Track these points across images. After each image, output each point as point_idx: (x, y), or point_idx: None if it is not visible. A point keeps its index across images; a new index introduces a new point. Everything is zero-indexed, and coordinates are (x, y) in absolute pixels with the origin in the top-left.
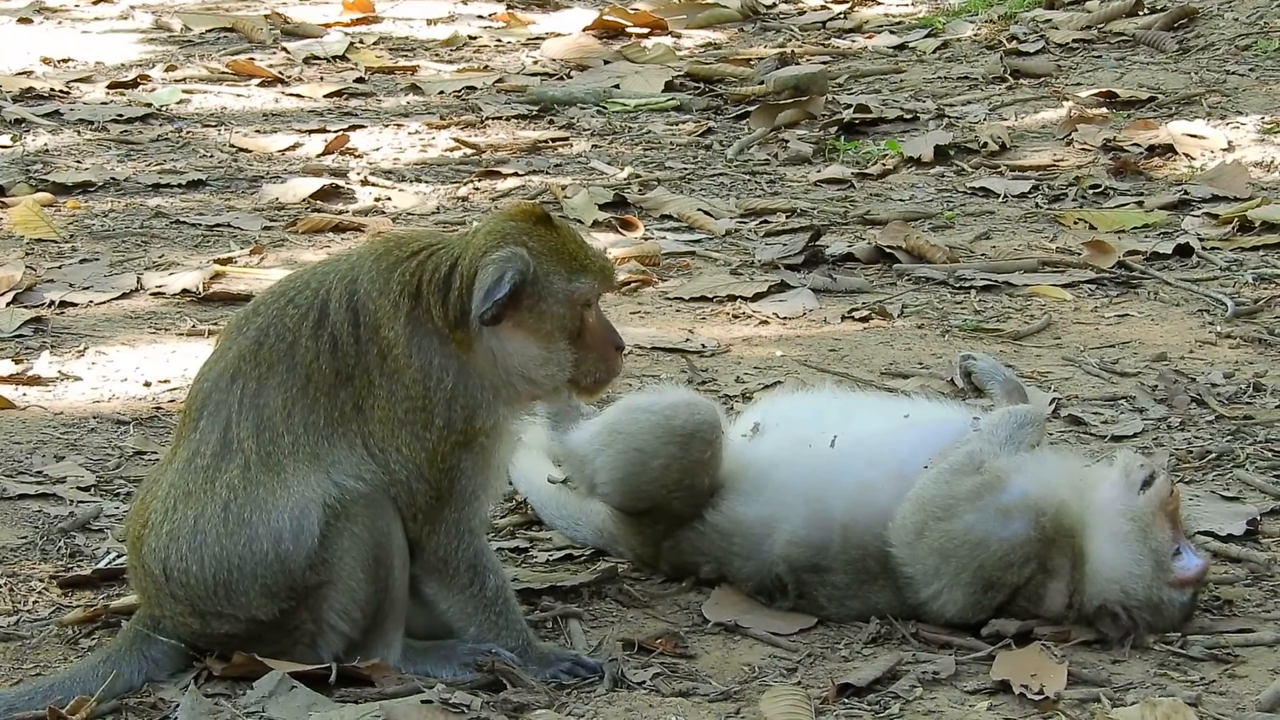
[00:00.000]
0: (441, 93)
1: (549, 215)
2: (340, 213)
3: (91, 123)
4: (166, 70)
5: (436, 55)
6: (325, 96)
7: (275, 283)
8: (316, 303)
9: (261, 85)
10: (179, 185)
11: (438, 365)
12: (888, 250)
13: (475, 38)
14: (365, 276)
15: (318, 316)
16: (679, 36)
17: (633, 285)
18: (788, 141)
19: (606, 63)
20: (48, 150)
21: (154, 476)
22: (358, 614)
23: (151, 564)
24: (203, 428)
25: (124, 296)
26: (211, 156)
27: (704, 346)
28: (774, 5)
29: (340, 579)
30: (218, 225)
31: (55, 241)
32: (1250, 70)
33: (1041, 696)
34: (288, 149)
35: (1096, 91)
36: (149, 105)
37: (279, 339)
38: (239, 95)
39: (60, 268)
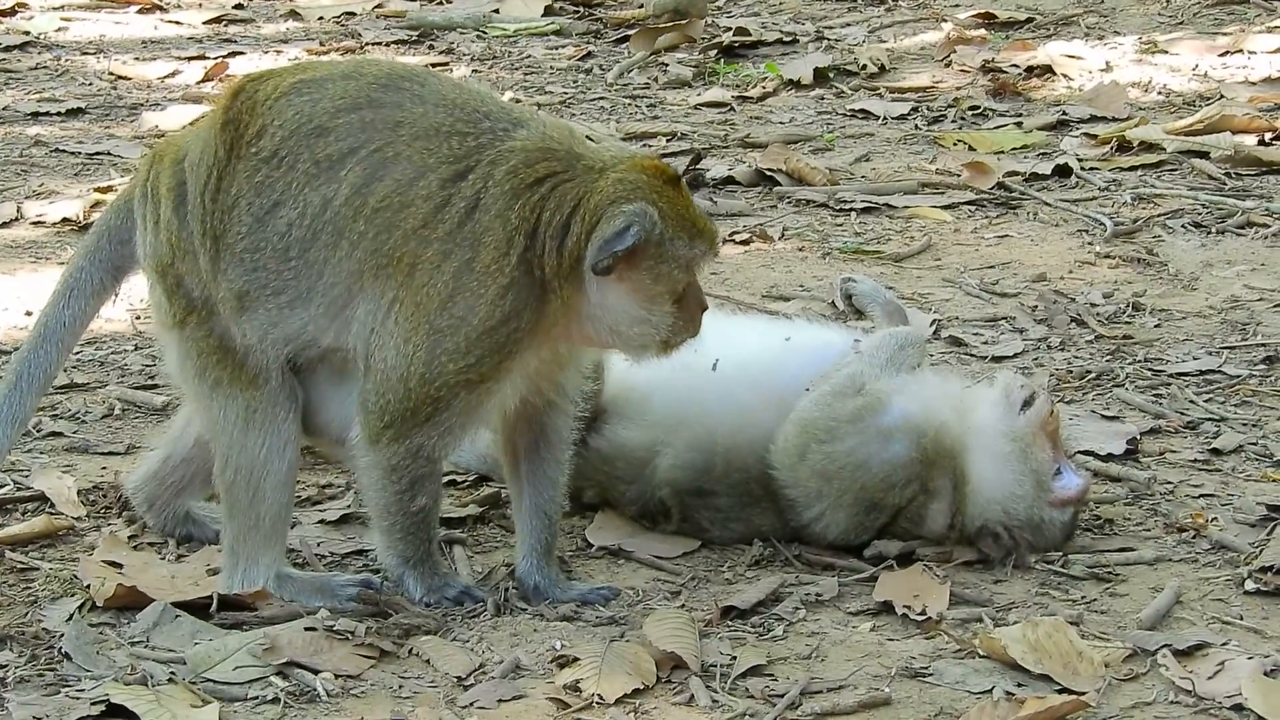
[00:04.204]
0: (321, 18)
1: (679, 176)
2: None
3: None
4: None
5: None
6: (204, 23)
7: (453, 90)
8: (464, 160)
9: (140, 12)
10: (58, 113)
11: (524, 317)
12: (768, 173)
13: None
14: (495, 182)
15: (456, 172)
16: None
17: None
18: (667, 65)
19: None
20: None
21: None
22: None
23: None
24: (341, 126)
25: (4, 226)
26: (91, 84)
27: None
28: None
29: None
30: (98, 153)
31: None
32: None
33: (924, 617)
34: (167, 76)
35: (975, 13)
36: (27, 34)
37: (414, 156)
38: (118, 23)
39: None
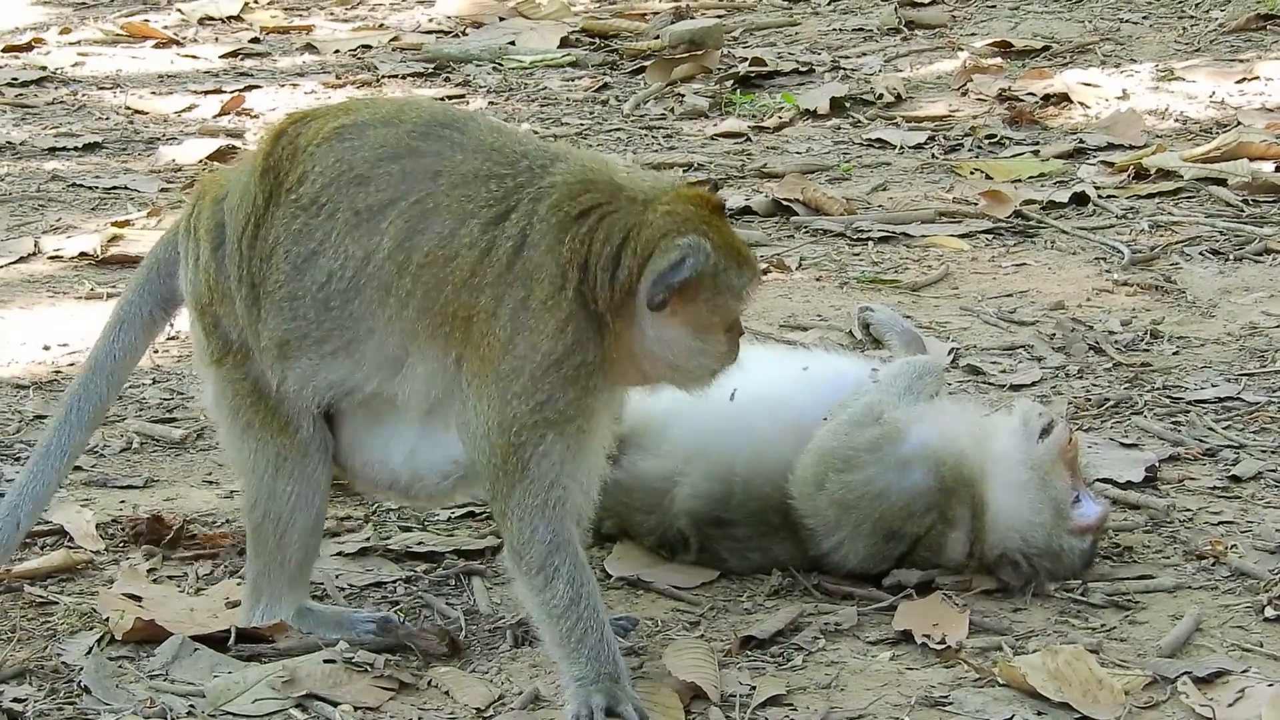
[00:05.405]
0: (337, 51)
1: (723, 205)
2: None
3: None
4: (61, 33)
5: (331, 14)
6: (220, 57)
7: (491, 134)
8: (504, 201)
9: (156, 47)
10: (75, 148)
11: (589, 350)
12: (785, 203)
13: None
14: (540, 217)
15: (498, 214)
16: None
17: None
18: (684, 96)
19: (502, 19)
20: None
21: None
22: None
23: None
24: (381, 176)
25: (22, 260)
26: (107, 119)
27: None
28: None
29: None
30: (115, 188)
31: None
32: (1144, 18)
33: (944, 646)
34: (184, 110)
35: (991, 41)
36: (44, 68)
37: (454, 206)
38: (134, 57)
39: None
